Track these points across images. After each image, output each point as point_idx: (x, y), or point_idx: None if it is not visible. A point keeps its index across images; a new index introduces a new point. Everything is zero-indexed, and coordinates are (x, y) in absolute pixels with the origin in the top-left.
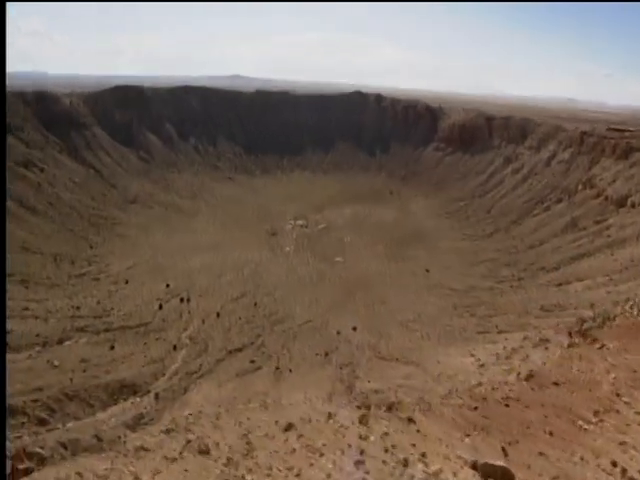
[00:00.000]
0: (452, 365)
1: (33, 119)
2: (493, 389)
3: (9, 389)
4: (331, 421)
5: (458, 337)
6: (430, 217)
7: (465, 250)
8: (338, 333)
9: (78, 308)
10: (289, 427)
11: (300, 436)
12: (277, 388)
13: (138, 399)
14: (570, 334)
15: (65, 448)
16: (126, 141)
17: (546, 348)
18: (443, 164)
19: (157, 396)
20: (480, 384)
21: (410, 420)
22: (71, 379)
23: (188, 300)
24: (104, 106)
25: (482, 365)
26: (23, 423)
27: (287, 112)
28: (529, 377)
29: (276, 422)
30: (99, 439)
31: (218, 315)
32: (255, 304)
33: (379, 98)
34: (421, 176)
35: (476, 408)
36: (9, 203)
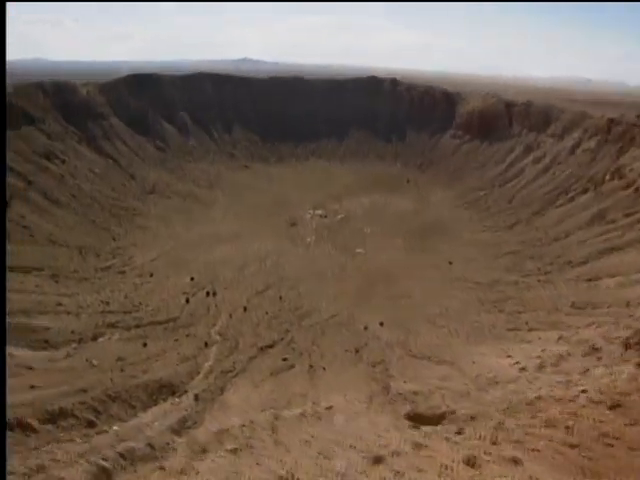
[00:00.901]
0: (488, 366)
1: (53, 110)
2: (575, 415)
3: (56, 390)
4: (423, 452)
5: (488, 334)
6: (449, 207)
7: (487, 242)
8: (365, 328)
9: (107, 303)
10: (378, 460)
11: (398, 474)
12: (314, 388)
13: (177, 399)
14: (627, 346)
15: (124, 458)
16: (142, 130)
17: (599, 358)
18: (460, 152)
19: (197, 397)
20: (540, 398)
21: (516, 462)
22: (111, 379)
23: (214, 294)
24: (119, 95)
25: (523, 369)
26: (73, 425)
27: (301, 98)
28: (615, 406)
29: (351, 446)
30: (152, 447)
31: (245, 309)
32: (280, 298)
33: (394, 83)
34: (438, 165)
35: (575, 446)
36: (35, 195)
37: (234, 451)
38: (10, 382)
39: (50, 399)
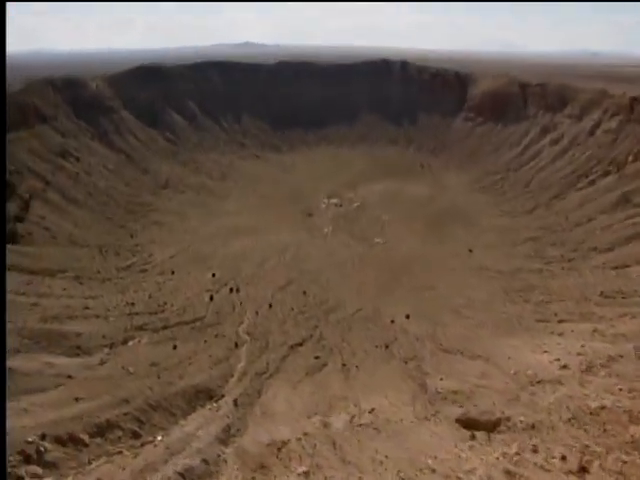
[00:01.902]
0: (525, 362)
1: (63, 106)
2: None
3: (99, 401)
4: None
5: (517, 326)
6: (464, 192)
7: (505, 228)
8: (392, 322)
9: (133, 304)
10: None
11: None
12: (352, 389)
13: (215, 404)
14: None
15: (183, 477)
16: (151, 122)
17: None
18: (474, 135)
19: (236, 402)
20: (604, 408)
21: None
22: (150, 388)
23: (237, 290)
24: (128, 87)
25: (565, 367)
26: (120, 437)
27: (310, 83)
28: None
29: (432, 470)
30: (206, 462)
31: (270, 306)
32: (304, 292)
33: (404, 65)
34: (451, 148)
35: None
36: (53, 195)
37: (306, 474)
38: (54, 394)
39: (95, 411)
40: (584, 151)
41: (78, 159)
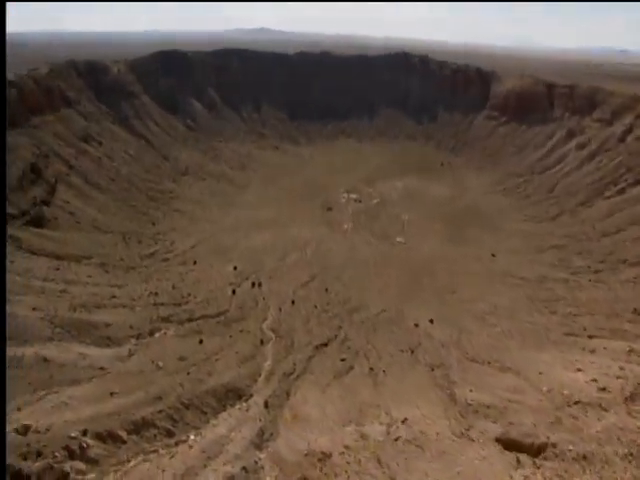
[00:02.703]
0: (558, 379)
1: (86, 90)
2: None
3: (134, 397)
4: None
5: (545, 339)
6: (486, 193)
7: (529, 233)
8: (416, 326)
9: (157, 294)
10: None
11: None
12: (381, 396)
13: (244, 404)
14: None
15: None
16: (171, 108)
17: None
18: (496, 135)
19: (266, 404)
20: None
21: None
22: (181, 384)
23: (259, 285)
24: (148, 72)
25: (604, 389)
26: (155, 435)
27: (329, 74)
28: None
29: None
30: (246, 470)
31: (293, 302)
32: (327, 290)
33: (425, 60)
34: (472, 147)
35: None
36: (77, 180)
37: None
38: (90, 387)
39: (131, 408)
40: (613, 158)
41: (100, 143)
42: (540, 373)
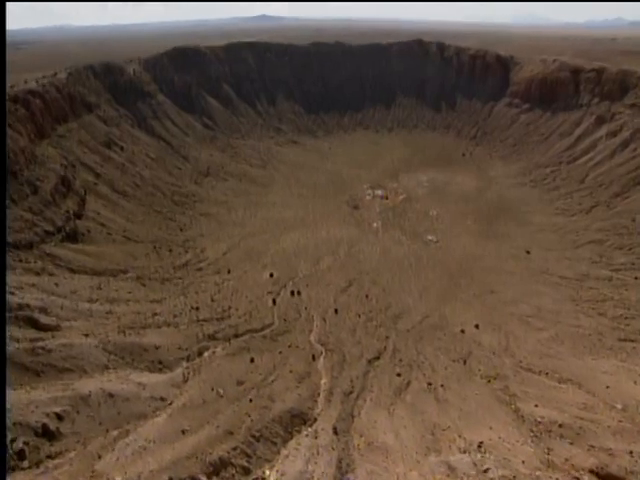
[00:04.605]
0: (630, 394)
1: (104, 92)
2: None
3: (204, 433)
4: None
5: (598, 344)
6: (513, 185)
7: (562, 227)
8: (462, 332)
9: (197, 309)
10: None
11: None
12: (449, 415)
13: (309, 429)
14: None
15: None
16: (187, 106)
17: None
18: (519, 123)
19: (335, 430)
20: None
21: None
22: (248, 415)
23: (299, 293)
24: (163, 70)
25: None
26: (233, 475)
27: (343, 65)
28: None
29: None
30: None
31: (336, 311)
32: (367, 296)
33: (441, 47)
34: (494, 136)
35: None
36: (103, 188)
37: None
38: (159, 424)
39: (205, 446)
40: None
41: (122, 148)
42: (607, 387)
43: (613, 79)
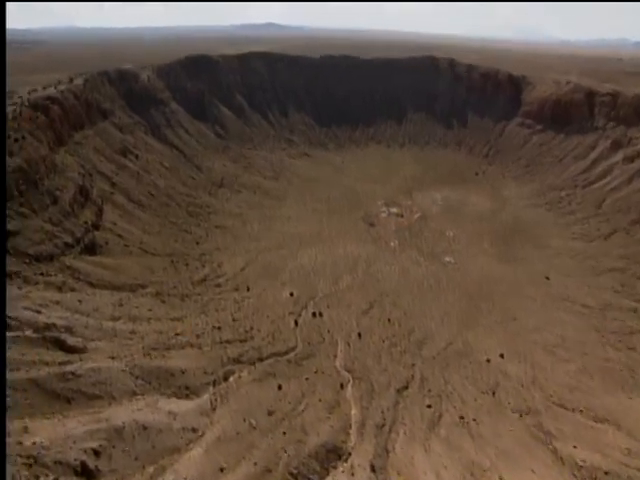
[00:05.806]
0: None
1: (118, 99)
2: None
3: (243, 470)
4: None
5: (631, 382)
6: (528, 207)
7: (581, 253)
8: (488, 361)
9: (219, 329)
10: None
11: None
12: (485, 452)
13: (345, 464)
14: None
15: None
16: (200, 114)
17: None
18: (531, 143)
19: (373, 468)
20: None
21: None
22: (284, 449)
23: (320, 314)
24: (176, 79)
25: None
26: None
27: (354, 78)
28: None
29: None
30: None
31: (360, 336)
32: (389, 320)
33: (452, 64)
34: (506, 155)
35: None
36: (119, 198)
37: None
38: (195, 460)
39: None
40: None
41: (137, 156)
42: None
43: (629, 103)
